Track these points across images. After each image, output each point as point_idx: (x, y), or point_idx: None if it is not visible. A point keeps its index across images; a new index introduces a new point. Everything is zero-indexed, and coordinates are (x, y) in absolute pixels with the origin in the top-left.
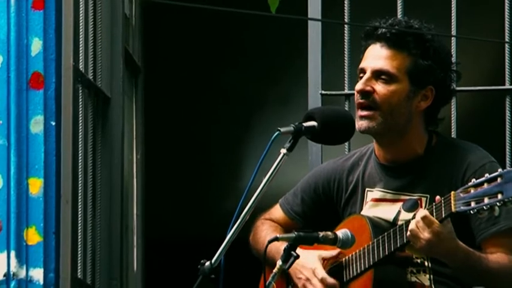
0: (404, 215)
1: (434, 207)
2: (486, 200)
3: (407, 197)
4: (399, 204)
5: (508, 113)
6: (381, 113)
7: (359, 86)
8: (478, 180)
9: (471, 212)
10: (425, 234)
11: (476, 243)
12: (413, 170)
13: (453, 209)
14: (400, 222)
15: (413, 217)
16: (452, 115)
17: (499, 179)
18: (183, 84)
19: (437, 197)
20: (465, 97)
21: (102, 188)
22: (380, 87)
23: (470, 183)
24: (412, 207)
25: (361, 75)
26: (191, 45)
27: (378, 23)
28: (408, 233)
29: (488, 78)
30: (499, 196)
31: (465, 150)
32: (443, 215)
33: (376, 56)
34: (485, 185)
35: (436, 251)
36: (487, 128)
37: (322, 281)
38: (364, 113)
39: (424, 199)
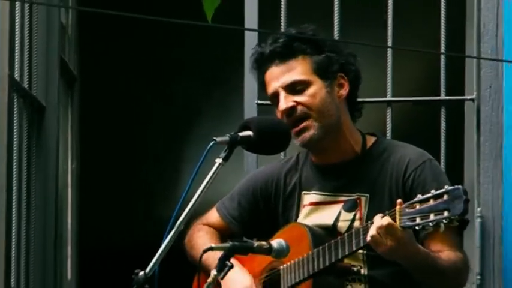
0: (345, 216)
1: (388, 215)
2: (432, 217)
3: (347, 198)
4: (339, 206)
5: (443, 124)
6: (313, 119)
7: (281, 106)
8: (424, 196)
9: (416, 227)
10: (388, 241)
11: (418, 240)
12: (350, 170)
13: (398, 224)
14: (340, 224)
15: (354, 217)
16: (388, 125)
17: (445, 196)
18: (119, 94)
19: (399, 201)
20: (401, 107)
21: (36, 198)
22: (300, 98)
23: (416, 199)
24: (352, 207)
25: (274, 97)
26: (127, 55)
27: (262, 47)
28: (369, 238)
29: (425, 88)
30: (445, 213)
31: (404, 148)
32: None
33: (279, 74)
34: (432, 201)
35: (397, 255)
36: (423, 138)
37: None
38: (300, 126)
39: (363, 198)
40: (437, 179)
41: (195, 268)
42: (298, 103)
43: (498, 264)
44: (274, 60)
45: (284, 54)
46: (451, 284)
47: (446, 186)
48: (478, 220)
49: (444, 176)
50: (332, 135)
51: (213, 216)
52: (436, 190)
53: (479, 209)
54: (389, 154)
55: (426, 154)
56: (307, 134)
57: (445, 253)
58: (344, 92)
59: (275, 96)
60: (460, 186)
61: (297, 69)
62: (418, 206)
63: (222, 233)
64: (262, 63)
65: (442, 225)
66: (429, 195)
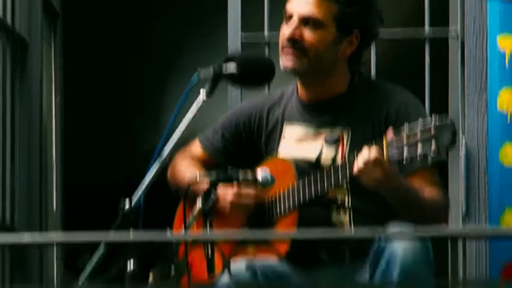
0: (327, 150)
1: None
2: (419, 149)
3: (329, 132)
4: (321, 140)
5: (427, 59)
6: (308, 58)
7: (288, 32)
8: (412, 128)
9: (404, 160)
10: (375, 173)
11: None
12: (335, 107)
13: (385, 157)
14: (324, 158)
15: (336, 151)
16: (372, 61)
17: (432, 128)
18: (101, 27)
19: (389, 130)
20: (384, 43)
21: (21, 132)
22: (308, 34)
23: (403, 131)
24: (335, 141)
25: (287, 17)
26: None
27: None
28: (356, 170)
29: (409, 22)
30: (433, 145)
31: (387, 88)
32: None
33: (303, 1)
34: (419, 134)
35: (382, 187)
36: (407, 74)
37: (235, 193)
38: (291, 53)
39: (345, 132)
40: (419, 115)
41: (178, 198)
42: (304, 38)
43: (483, 194)
44: None
45: None
46: (430, 220)
47: (433, 118)
48: (463, 152)
49: (426, 115)
50: (319, 77)
51: (196, 148)
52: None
53: (464, 140)
54: (373, 91)
55: (409, 93)
56: (294, 63)
57: (426, 189)
58: (350, 50)
59: (289, 17)
60: (447, 118)
61: (321, 8)
62: (405, 138)
63: (204, 164)
64: None
65: (429, 157)
66: (416, 127)
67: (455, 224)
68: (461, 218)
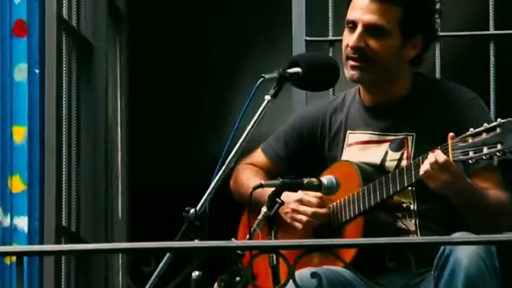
0: (392, 155)
1: (441, 150)
2: (485, 150)
3: (393, 137)
4: (386, 145)
5: (492, 58)
6: (374, 66)
7: (352, 41)
8: (477, 130)
9: (470, 161)
10: (442, 175)
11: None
12: (398, 110)
13: (451, 158)
14: (388, 163)
15: (401, 156)
16: (437, 61)
17: (498, 129)
18: (168, 30)
19: (451, 134)
20: (449, 42)
21: (86, 136)
22: (373, 43)
23: (468, 132)
24: (399, 146)
25: (350, 25)
26: None
27: None
28: (422, 172)
29: (473, 23)
30: (499, 146)
31: (449, 88)
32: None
33: (367, 9)
34: (484, 135)
35: (449, 189)
36: (472, 73)
37: (310, 204)
38: (357, 63)
39: (410, 137)
40: (483, 116)
41: (243, 206)
42: (369, 47)
43: None
44: None
45: None
46: (496, 222)
47: (499, 119)
48: None
49: (489, 116)
50: (384, 82)
51: (259, 156)
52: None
53: None
54: (436, 93)
55: (472, 92)
56: (361, 75)
57: (491, 191)
58: (414, 53)
59: (352, 23)
60: None
61: (385, 15)
62: (470, 140)
63: (268, 172)
64: None
65: (495, 158)
66: (481, 128)
67: None
68: None
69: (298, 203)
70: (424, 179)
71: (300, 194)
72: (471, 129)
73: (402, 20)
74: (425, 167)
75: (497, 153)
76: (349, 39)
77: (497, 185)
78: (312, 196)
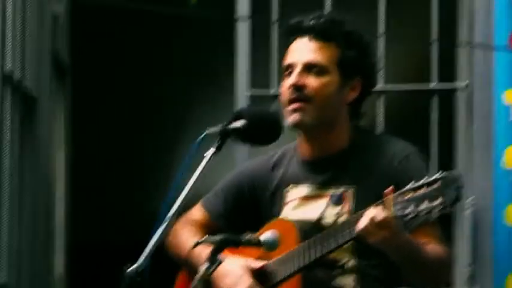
0: (332, 209)
1: (380, 205)
2: (425, 204)
3: (333, 191)
4: (325, 199)
5: (434, 112)
6: (314, 106)
7: (291, 80)
8: (417, 184)
9: (409, 216)
10: (381, 231)
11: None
12: (337, 164)
13: (390, 214)
14: (327, 218)
15: (341, 211)
16: (379, 113)
17: (438, 183)
18: (112, 84)
19: (391, 188)
20: (392, 95)
21: (28, 190)
22: (312, 81)
23: (408, 187)
24: (339, 200)
25: (289, 70)
26: (119, 45)
27: (303, 17)
28: (361, 229)
29: (416, 76)
30: (439, 200)
31: (388, 141)
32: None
33: (305, 49)
34: (424, 189)
35: (388, 245)
36: (414, 127)
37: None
38: (297, 105)
39: (350, 191)
40: (422, 170)
41: (178, 264)
42: (307, 85)
43: (489, 255)
44: (308, 35)
45: (320, 33)
46: (435, 277)
47: (439, 173)
48: (469, 211)
49: (428, 170)
50: (324, 129)
51: (198, 212)
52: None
53: (470, 199)
54: (375, 147)
55: (411, 146)
56: (301, 116)
57: (430, 246)
58: (353, 95)
59: (290, 67)
60: (453, 172)
61: (323, 54)
62: (410, 194)
63: (207, 229)
64: (295, 31)
65: (435, 212)
66: (421, 182)
67: (460, 287)
68: (466, 281)
69: (237, 280)
70: (362, 235)
71: (241, 271)
72: (411, 183)
73: (340, 59)
74: (363, 223)
75: (437, 208)
76: (288, 81)
77: (437, 239)
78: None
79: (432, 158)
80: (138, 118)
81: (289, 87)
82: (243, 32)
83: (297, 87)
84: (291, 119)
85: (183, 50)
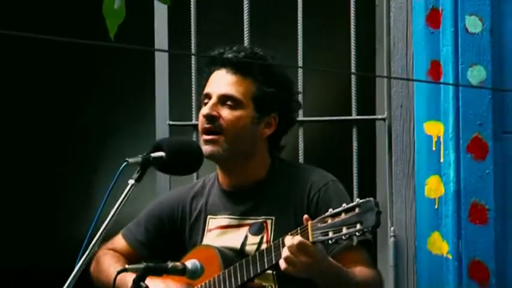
0: (252, 239)
1: (299, 232)
2: (344, 230)
3: (253, 221)
4: (245, 229)
5: (355, 143)
6: (226, 138)
7: (205, 110)
8: (336, 210)
9: (329, 241)
10: (301, 258)
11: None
12: (256, 194)
13: (310, 239)
14: (248, 247)
15: (262, 240)
16: (300, 144)
17: (357, 209)
18: (27, 113)
19: (306, 216)
20: (312, 126)
21: None
22: (226, 113)
23: (327, 213)
24: (259, 230)
25: (206, 101)
26: (35, 71)
27: (224, 49)
28: (283, 261)
29: (336, 108)
30: (358, 226)
31: (306, 170)
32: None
33: (222, 82)
34: (343, 215)
35: (311, 272)
36: (335, 157)
37: None
38: (209, 137)
39: (269, 221)
40: (340, 199)
41: None
42: (221, 116)
43: (412, 283)
44: (227, 67)
45: (239, 67)
46: None
47: (357, 199)
48: (392, 239)
49: (348, 198)
50: (239, 160)
51: (119, 242)
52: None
53: (392, 228)
54: (293, 176)
55: (329, 175)
56: (213, 148)
57: (357, 269)
58: (268, 131)
59: (207, 97)
60: (371, 199)
61: (239, 87)
62: (329, 220)
63: (128, 258)
64: (214, 63)
65: (354, 238)
66: (340, 209)
67: None
68: None
69: None
70: (286, 265)
71: (161, 285)
72: (330, 210)
73: (256, 94)
74: (284, 253)
75: (357, 233)
76: (203, 110)
77: (363, 262)
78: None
79: (354, 187)
80: (58, 145)
81: (204, 117)
82: (161, 63)
83: (211, 118)
84: (204, 149)
85: (103, 79)
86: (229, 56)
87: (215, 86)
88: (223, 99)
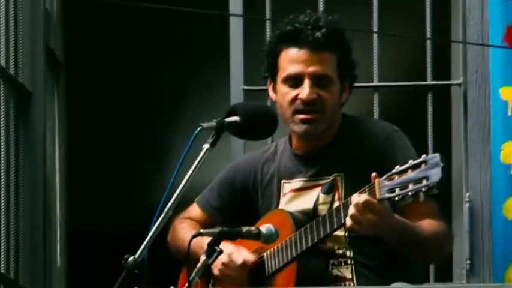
0: (324, 198)
1: (367, 190)
2: (411, 186)
3: (325, 181)
4: (318, 189)
5: (430, 108)
6: (324, 116)
7: (306, 94)
8: (402, 167)
9: (396, 198)
10: (367, 216)
11: (397, 210)
12: (327, 154)
13: (377, 197)
14: (320, 206)
15: (333, 198)
16: (375, 109)
17: (423, 165)
18: (105, 78)
19: (374, 174)
20: (386, 92)
21: (25, 182)
22: (323, 93)
23: (394, 170)
24: (330, 188)
25: (292, 80)
26: (113, 39)
27: (299, 23)
28: (349, 219)
29: (411, 73)
30: (424, 182)
31: (370, 124)
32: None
33: (310, 61)
34: (410, 172)
35: (377, 229)
36: (409, 123)
37: (242, 263)
38: (308, 116)
39: (339, 178)
40: (404, 151)
41: (179, 259)
42: (319, 97)
43: (487, 249)
44: (309, 45)
45: (321, 44)
46: (435, 252)
47: (424, 156)
48: (467, 205)
49: (411, 148)
50: (324, 129)
51: (194, 210)
52: (413, 159)
53: (467, 194)
54: (358, 131)
55: (391, 126)
56: (314, 127)
57: (425, 222)
58: (345, 97)
59: (295, 78)
60: (437, 154)
61: (328, 64)
62: (396, 178)
63: (204, 225)
64: (289, 40)
65: (421, 194)
66: (407, 165)
67: (459, 281)
68: (465, 274)
69: (229, 257)
70: (350, 225)
71: (232, 248)
72: (397, 167)
73: (338, 65)
74: (350, 211)
75: (423, 189)
76: (296, 93)
77: (431, 214)
78: (242, 252)
79: (429, 153)
80: (133, 110)
81: (304, 101)
82: (236, 28)
83: (309, 102)
84: (304, 128)
85: (178, 44)
86: (307, 32)
87: (303, 66)
88: (316, 79)
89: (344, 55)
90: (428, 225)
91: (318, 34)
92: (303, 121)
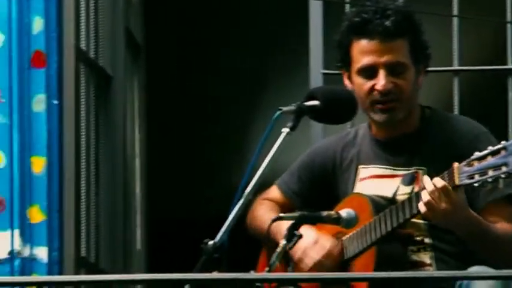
0: (403, 189)
1: (446, 177)
2: (490, 173)
3: (405, 172)
4: (398, 180)
5: (510, 93)
6: (402, 104)
7: (382, 85)
8: (482, 153)
9: (475, 184)
10: (442, 204)
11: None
12: (409, 144)
13: (456, 182)
14: (399, 197)
15: (413, 191)
16: (455, 94)
17: (502, 152)
18: (185, 61)
19: (456, 164)
20: (467, 76)
21: (104, 167)
22: (399, 81)
23: (473, 156)
24: (411, 180)
25: (366, 71)
26: (192, 23)
27: (369, 16)
28: (422, 205)
29: (491, 57)
30: (504, 168)
31: (460, 122)
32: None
33: (382, 50)
34: (489, 158)
35: (451, 220)
36: (489, 108)
37: (327, 253)
38: (388, 105)
39: (421, 172)
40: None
41: (258, 241)
42: (396, 85)
43: None
44: (379, 35)
45: (392, 33)
46: (506, 255)
47: (503, 142)
48: None
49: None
50: (404, 116)
51: (274, 192)
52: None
53: None
54: (446, 127)
55: (480, 127)
56: (393, 115)
57: (499, 224)
58: (421, 80)
59: (369, 69)
60: None
61: (400, 51)
62: (476, 164)
63: (283, 208)
64: (361, 31)
65: (500, 180)
66: (486, 152)
67: None
68: None
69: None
70: (423, 210)
71: (315, 236)
72: (476, 153)
73: (410, 50)
74: (425, 197)
75: (502, 175)
76: (372, 84)
77: (506, 218)
78: (326, 240)
79: (508, 139)
80: (213, 94)
81: (380, 92)
82: (315, 11)
83: (386, 92)
84: (384, 117)
85: (258, 28)
86: (380, 22)
87: (376, 56)
88: (390, 68)
89: (415, 39)
90: (502, 227)
91: (387, 23)
92: (382, 111)
